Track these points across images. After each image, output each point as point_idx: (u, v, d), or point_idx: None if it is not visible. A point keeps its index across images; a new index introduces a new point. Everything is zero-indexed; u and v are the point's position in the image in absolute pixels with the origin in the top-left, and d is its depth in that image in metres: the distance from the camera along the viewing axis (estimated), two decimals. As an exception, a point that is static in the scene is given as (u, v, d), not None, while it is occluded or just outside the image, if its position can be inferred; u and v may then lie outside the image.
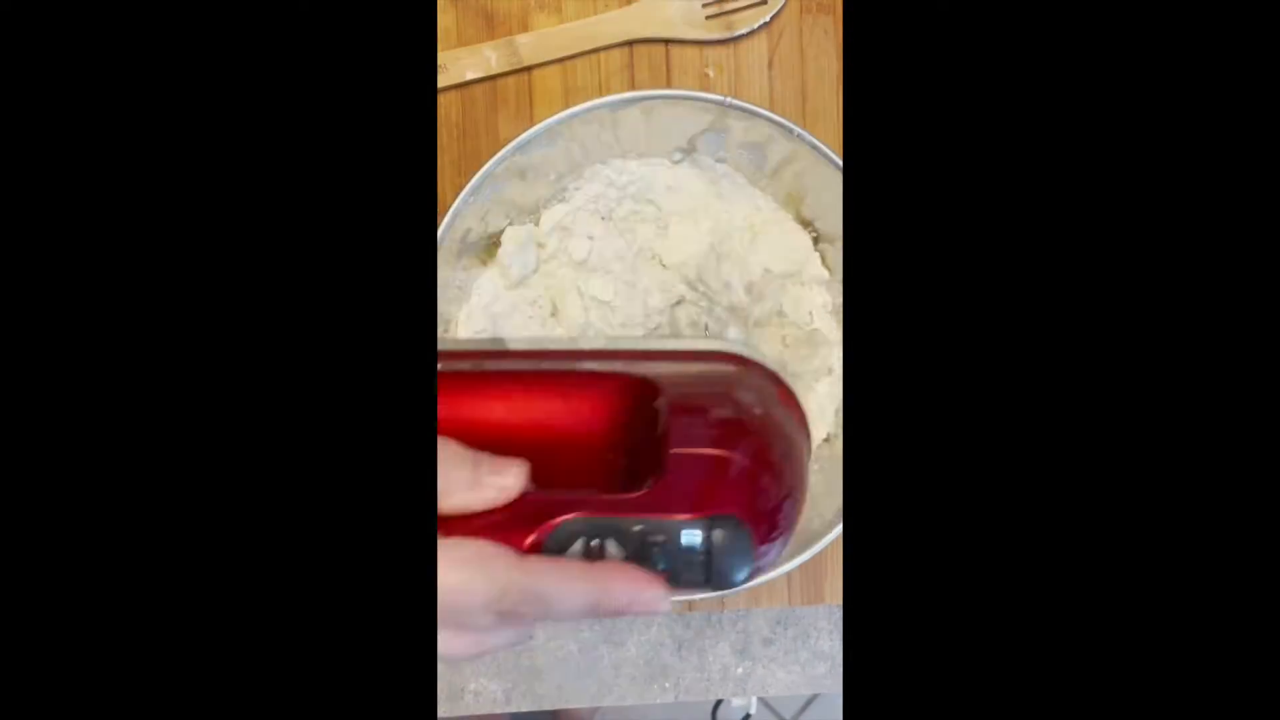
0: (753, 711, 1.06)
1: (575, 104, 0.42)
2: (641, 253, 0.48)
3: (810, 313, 0.47)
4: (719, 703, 1.03)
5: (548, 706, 0.52)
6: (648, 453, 0.32)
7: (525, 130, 0.42)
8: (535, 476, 0.31)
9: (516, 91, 0.50)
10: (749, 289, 0.48)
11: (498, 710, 0.52)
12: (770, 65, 0.51)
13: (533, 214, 0.48)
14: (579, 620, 0.29)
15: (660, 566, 0.31)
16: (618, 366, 0.34)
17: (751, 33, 0.51)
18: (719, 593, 0.35)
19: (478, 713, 0.52)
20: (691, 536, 0.31)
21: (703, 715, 1.05)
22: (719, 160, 0.47)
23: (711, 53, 0.51)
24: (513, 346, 0.36)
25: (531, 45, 0.50)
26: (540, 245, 0.47)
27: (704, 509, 0.31)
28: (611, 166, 0.47)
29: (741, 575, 0.32)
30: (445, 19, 0.50)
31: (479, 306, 0.47)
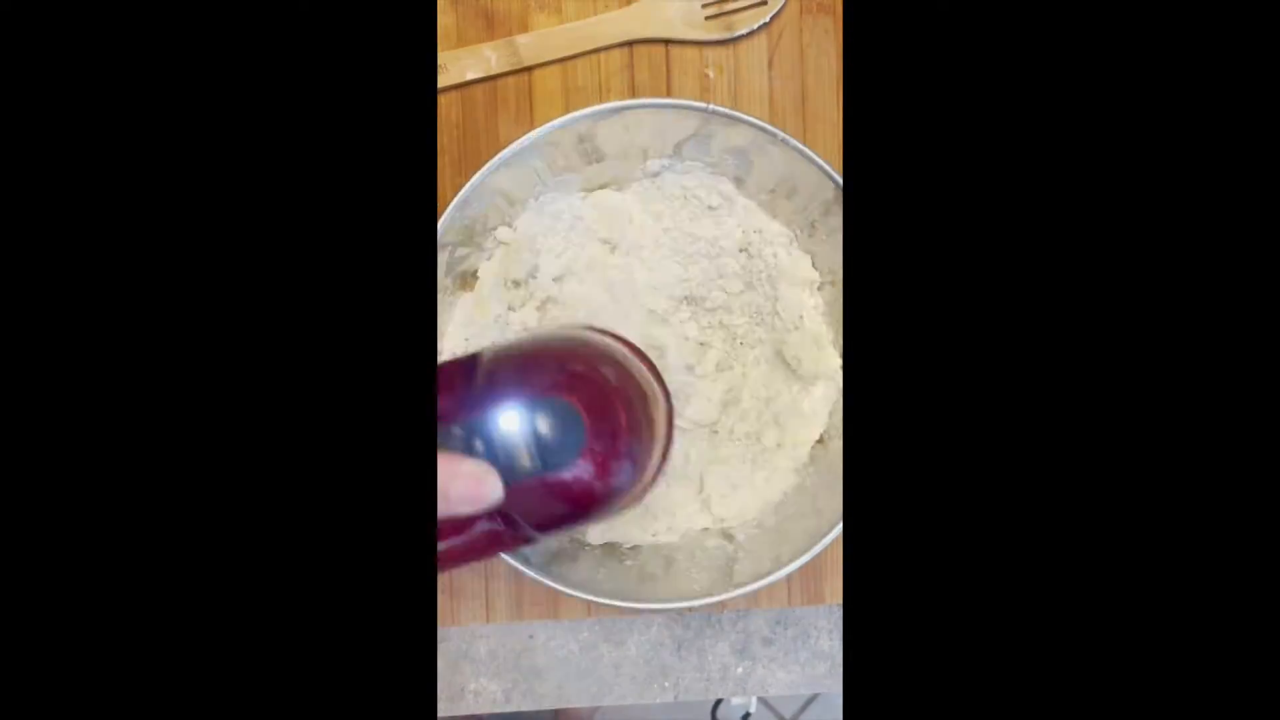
0: (752, 711, 1.06)
1: (576, 105, 0.42)
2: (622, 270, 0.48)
3: (801, 315, 0.47)
4: (719, 702, 1.03)
5: (548, 706, 0.52)
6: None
7: (522, 134, 0.42)
8: None
9: (516, 92, 0.50)
10: (739, 296, 0.48)
11: (497, 710, 0.52)
12: (770, 65, 0.51)
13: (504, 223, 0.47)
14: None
15: (490, 457, 0.31)
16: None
17: (751, 33, 0.51)
18: (574, 517, 0.35)
19: (478, 713, 0.52)
20: (509, 418, 0.32)
21: (703, 715, 1.05)
22: (708, 165, 0.47)
23: (711, 53, 0.51)
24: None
25: (531, 45, 0.50)
26: (515, 284, 0.47)
27: (525, 396, 0.32)
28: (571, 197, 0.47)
29: (574, 458, 0.32)
30: (445, 19, 0.50)
31: (457, 328, 0.47)
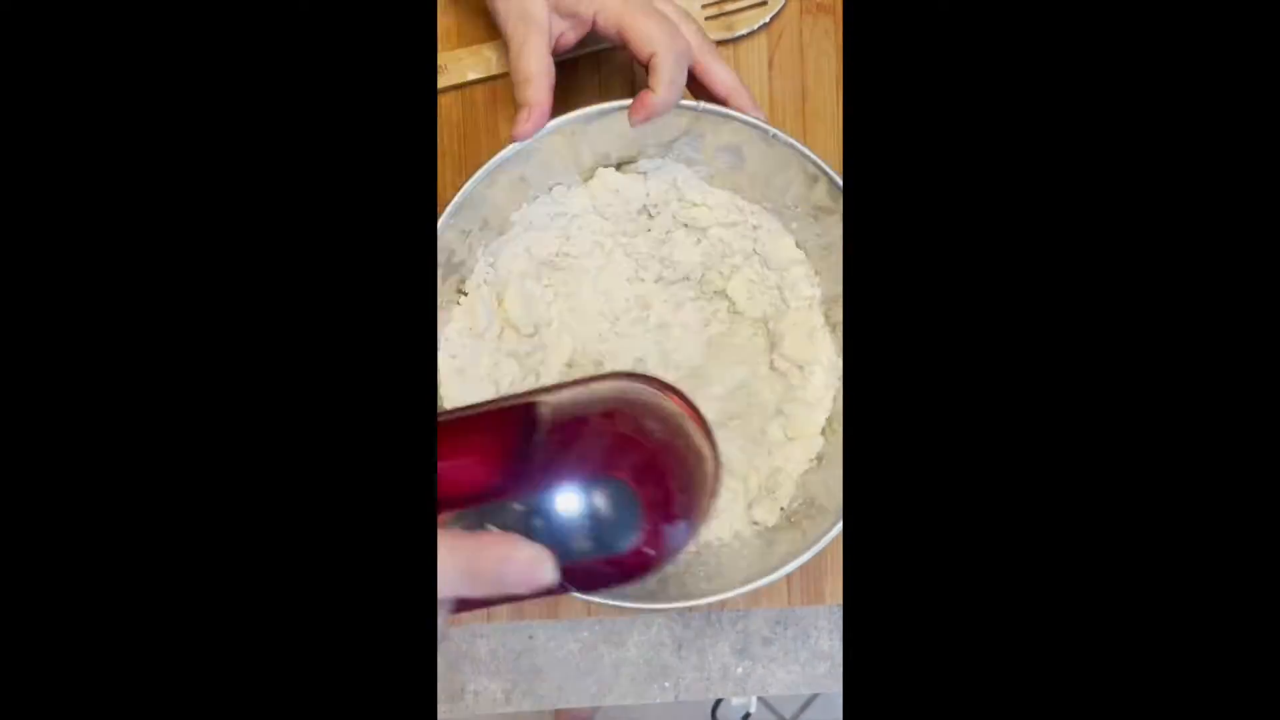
0: (752, 711, 1.06)
1: (576, 105, 0.42)
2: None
3: (796, 304, 0.48)
4: (719, 702, 1.03)
5: (548, 707, 0.52)
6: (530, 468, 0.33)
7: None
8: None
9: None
10: (740, 288, 0.48)
11: (498, 710, 0.52)
12: (770, 65, 0.51)
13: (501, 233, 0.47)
14: (464, 592, 0.30)
15: (548, 539, 0.31)
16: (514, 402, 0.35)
17: (751, 33, 0.51)
18: (626, 581, 0.35)
19: (478, 713, 0.52)
20: (568, 500, 0.32)
21: (703, 715, 1.05)
22: (693, 162, 0.47)
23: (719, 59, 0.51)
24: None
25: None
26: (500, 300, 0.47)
27: (583, 479, 0.32)
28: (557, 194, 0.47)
29: (631, 537, 0.32)
30: (445, 19, 0.50)
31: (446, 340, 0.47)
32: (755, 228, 0.48)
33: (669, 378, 0.38)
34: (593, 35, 0.43)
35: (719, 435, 0.48)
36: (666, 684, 0.52)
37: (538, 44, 0.41)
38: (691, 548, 0.38)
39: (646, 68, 0.41)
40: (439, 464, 0.30)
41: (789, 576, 0.48)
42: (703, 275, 0.49)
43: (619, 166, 0.47)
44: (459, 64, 0.50)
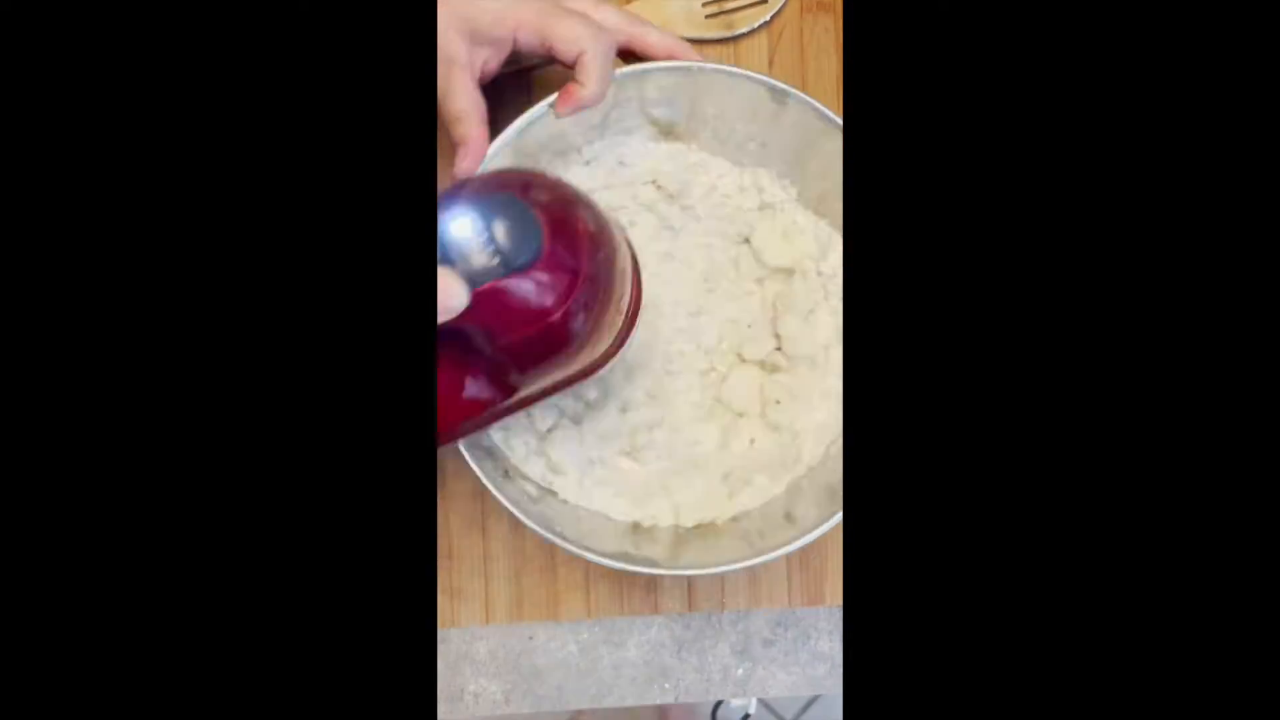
0: (752, 712, 1.06)
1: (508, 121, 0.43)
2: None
3: (775, 202, 0.48)
4: (719, 703, 1.03)
5: (547, 708, 0.52)
6: None
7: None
8: None
9: (516, 91, 0.50)
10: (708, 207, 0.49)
11: (497, 712, 0.52)
12: (770, 64, 0.51)
13: None
14: None
15: (447, 263, 0.32)
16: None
17: (751, 32, 0.51)
18: (509, 273, 0.34)
19: (478, 714, 0.52)
20: (460, 222, 0.32)
21: (703, 715, 1.05)
22: (631, 130, 0.47)
23: (712, 52, 0.51)
24: None
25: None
26: None
27: (476, 197, 0.33)
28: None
29: (530, 251, 0.32)
30: (445, 19, 0.50)
31: None
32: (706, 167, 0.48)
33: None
34: (515, 55, 0.43)
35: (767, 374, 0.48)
36: (666, 685, 0.52)
37: (461, 80, 0.41)
38: (604, 369, 0.39)
39: (574, 68, 0.41)
40: None
41: (789, 577, 0.48)
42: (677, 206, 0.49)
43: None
44: (458, 63, 0.50)
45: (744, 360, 0.49)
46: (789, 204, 0.48)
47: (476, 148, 0.41)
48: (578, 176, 0.48)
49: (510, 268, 0.33)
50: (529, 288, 0.33)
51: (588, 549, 0.43)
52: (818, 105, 0.43)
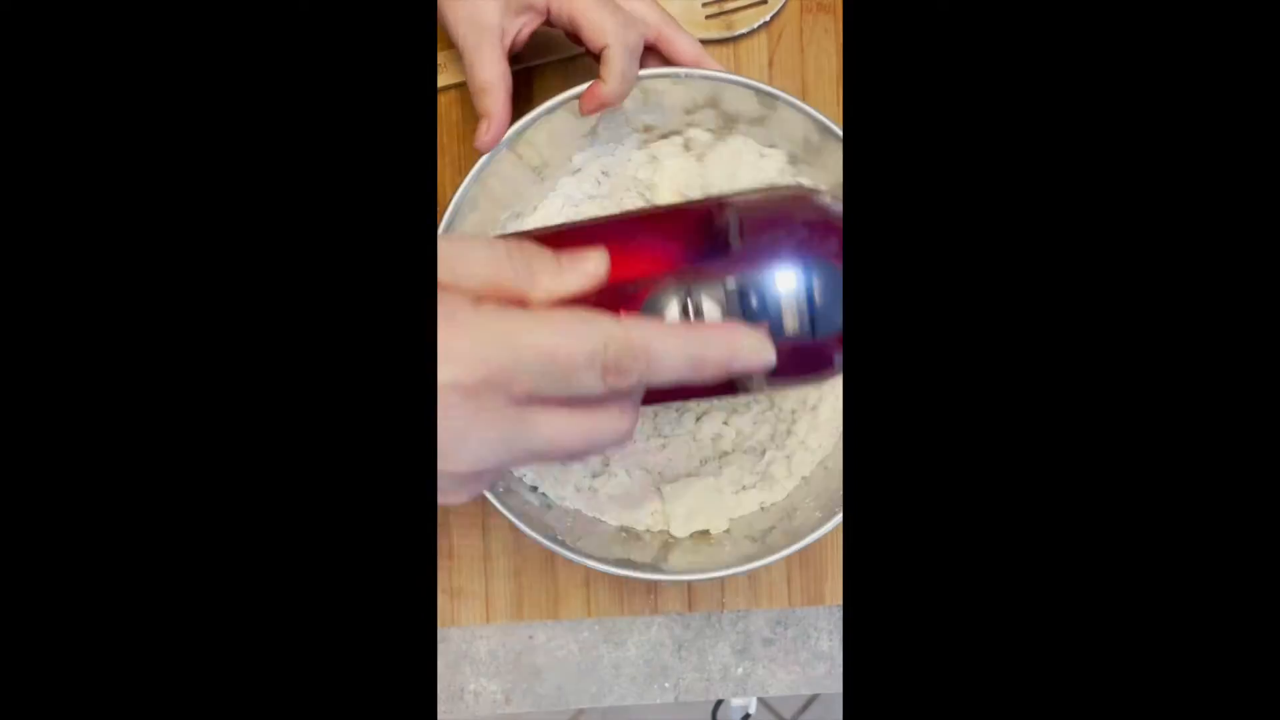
0: (752, 712, 1.06)
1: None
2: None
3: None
4: (719, 703, 1.03)
5: (547, 707, 0.52)
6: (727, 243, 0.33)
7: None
8: (620, 273, 0.32)
9: (517, 90, 0.50)
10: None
11: (498, 711, 0.52)
12: (770, 65, 0.51)
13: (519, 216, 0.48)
14: (689, 377, 0.30)
15: (761, 317, 0.31)
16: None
17: (751, 32, 0.51)
18: (817, 373, 0.34)
19: (478, 713, 0.52)
20: (787, 280, 0.32)
21: (703, 716, 1.05)
22: (621, 136, 0.47)
23: (712, 52, 0.51)
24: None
25: (532, 44, 0.50)
26: None
27: (794, 258, 0.32)
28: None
29: (838, 320, 0.32)
30: (445, 18, 0.50)
31: None
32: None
33: None
34: (550, 39, 0.43)
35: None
36: (666, 684, 0.52)
37: (490, 50, 0.41)
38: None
39: (599, 59, 0.41)
40: (615, 251, 0.31)
41: (789, 577, 0.48)
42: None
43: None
44: (459, 64, 0.50)
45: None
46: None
47: (500, 120, 0.41)
48: (565, 185, 0.48)
49: (813, 334, 0.33)
50: (820, 349, 0.33)
51: (588, 555, 0.43)
52: (809, 109, 0.43)
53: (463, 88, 0.50)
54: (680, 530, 0.47)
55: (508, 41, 0.42)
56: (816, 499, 0.46)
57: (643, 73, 0.43)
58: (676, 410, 0.48)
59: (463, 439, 0.28)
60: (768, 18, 0.51)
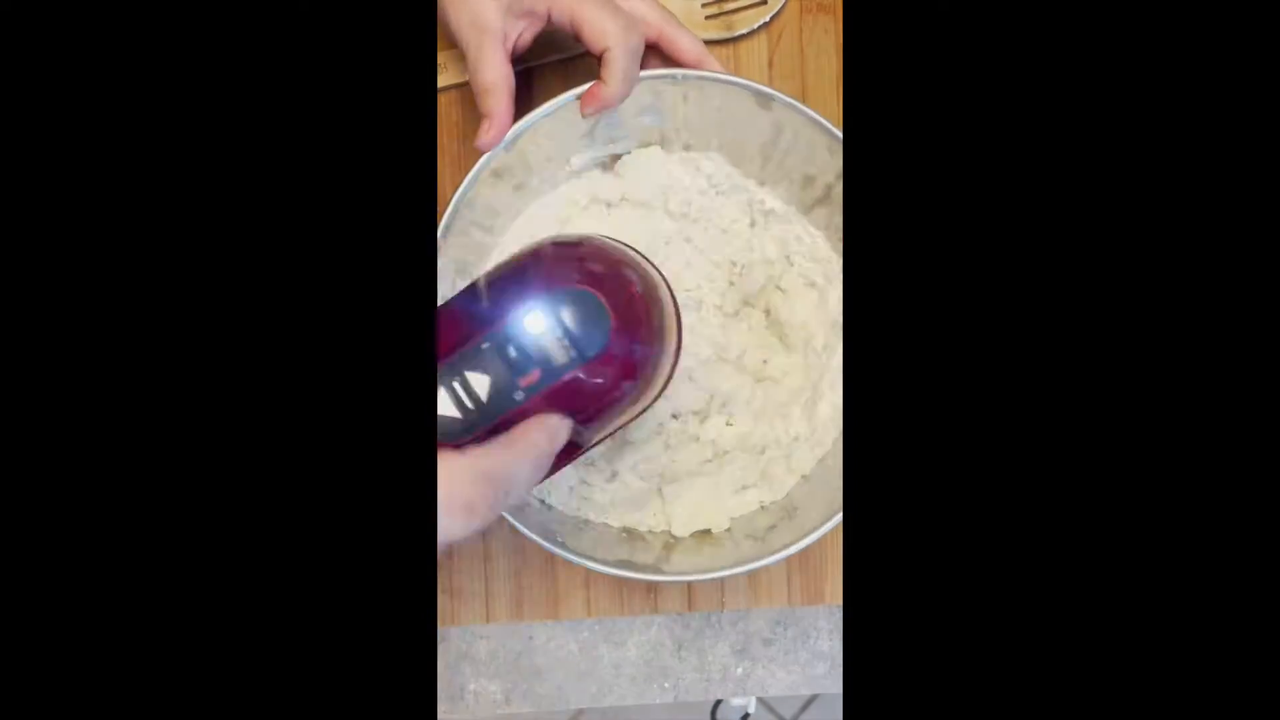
0: (752, 711, 1.06)
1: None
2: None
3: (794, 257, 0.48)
4: (719, 703, 1.03)
5: (547, 707, 0.52)
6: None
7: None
8: None
9: (517, 91, 0.50)
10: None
11: (498, 711, 0.52)
12: (770, 65, 0.51)
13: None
14: (519, 490, 0.34)
15: (527, 365, 0.32)
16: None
17: (751, 33, 0.51)
18: (585, 362, 0.35)
19: (478, 714, 0.52)
20: (535, 320, 0.33)
21: (703, 716, 1.05)
22: (616, 139, 0.47)
23: (712, 52, 0.51)
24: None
25: (532, 44, 0.50)
26: None
27: (534, 298, 0.33)
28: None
29: (604, 335, 0.33)
30: (445, 19, 0.50)
31: None
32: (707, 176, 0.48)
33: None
34: (552, 39, 0.43)
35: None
36: (666, 684, 0.52)
37: (492, 51, 0.41)
38: (657, 403, 0.40)
39: (600, 60, 0.41)
40: None
41: (789, 576, 0.48)
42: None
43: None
44: (459, 64, 0.50)
45: (741, 368, 0.49)
46: (782, 211, 0.48)
47: (501, 122, 0.41)
48: (564, 186, 0.47)
49: (585, 358, 0.34)
50: (603, 371, 0.34)
51: (588, 557, 0.43)
52: (806, 110, 0.43)
53: (463, 88, 0.50)
54: (681, 530, 0.47)
55: (509, 44, 0.42)
56: (817, 496, 0.46)
57: (644, 73, 0.43)
58: (674, 416, 0.48)
59: None
60: (767, 18, 0.51)
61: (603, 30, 0.41)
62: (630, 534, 0.47)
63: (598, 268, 0.36)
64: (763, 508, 0.48)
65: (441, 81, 0.50)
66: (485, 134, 0.41)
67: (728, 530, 0.47)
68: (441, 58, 0.50)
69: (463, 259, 0.46)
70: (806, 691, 0.53)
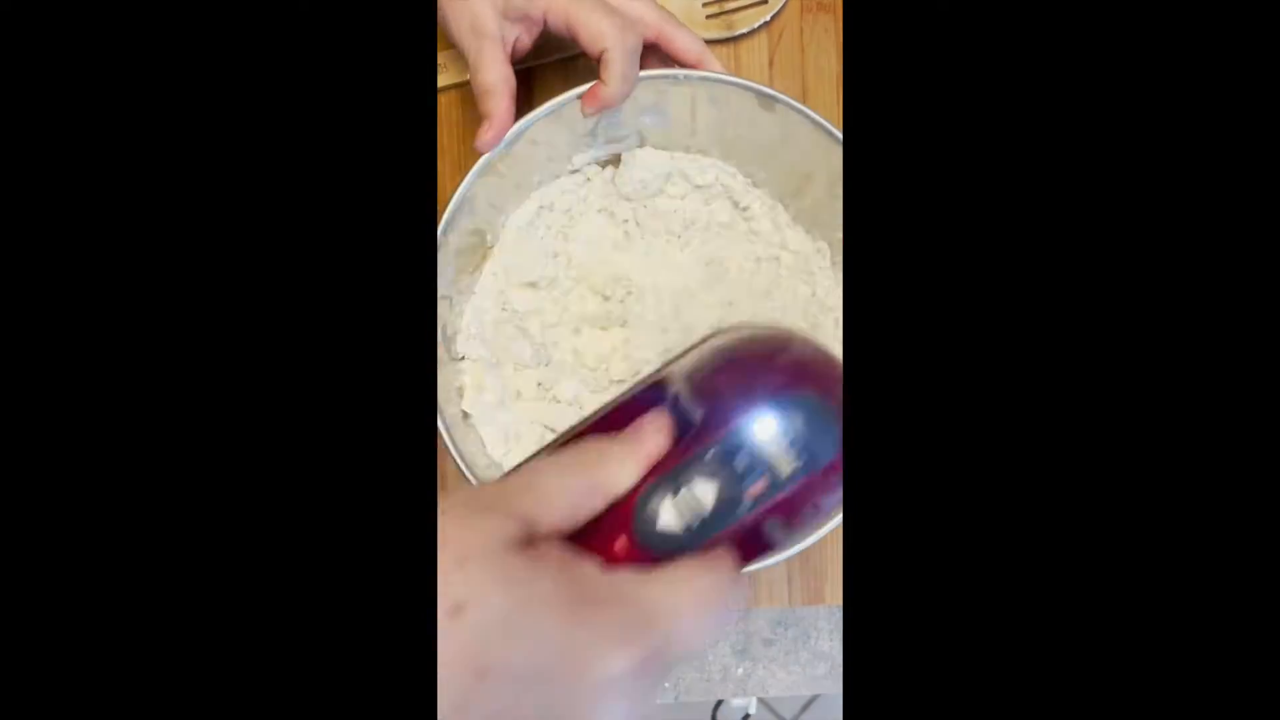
0: (752, 712, 1.06)
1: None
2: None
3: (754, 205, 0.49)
4: (719, 703, 1.03)
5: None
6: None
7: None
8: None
9: (517, 91, 0.50)
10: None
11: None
12: (770, 64, 0.51)
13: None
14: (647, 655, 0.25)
15: (756, 474, 0.29)
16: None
17: (752, 32, 0.51)
18: (817, 471, 0.31)
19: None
20: (764, 421, 0.29)
21: (703, 716, 1.05)
22: (616, 140, 0.47)
23: (712, 52, 0.51)
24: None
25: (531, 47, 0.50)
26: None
27: (758, 401, 0.30)
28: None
29: (835, 441, 0.30)
30: (445, 18, 0.50)
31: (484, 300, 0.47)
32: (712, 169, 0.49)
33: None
34: (551, 39, 0.43)
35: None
36: (666, 684, 0.52)
37: (492, 54, 0.41)
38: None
39: (598, 63, 0.41)
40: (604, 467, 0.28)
41: (789, 577, 0.48)
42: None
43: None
44: (459, 64, 0.50)
45: None
46: (780, 210, 0.48)
47: (501, 122, 0.42)
48: (564, 186, 0.48)
49: (817, 466, 0.30)
50: (834, 480, 0.31)
51: None
52: (809, 112, 0.43)
53: (463, 88, 0.50)
54: None
55: (507, 48, 0.42)
56: None
57: (643, 74, 0.43)
58: None
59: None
60: (768, 18, 0.51)
61: (599, 32, 0.41)
62: None
63: (815, 369, 0.32)
64: None
65: (442, 81, 0.50)
66: (485, 134, 0.41)
67: None
68: (442, 58, 0.50)
69: (463, 259, 0.46)
70: (807, 692, 0.53)
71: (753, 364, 0.32)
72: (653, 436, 0.29)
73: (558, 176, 0.48)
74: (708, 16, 0.51)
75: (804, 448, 0.30)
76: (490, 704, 0.23)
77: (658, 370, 0.33)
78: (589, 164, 0.48)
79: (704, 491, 0.29)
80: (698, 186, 0.48)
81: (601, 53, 0.41)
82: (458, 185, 0.42)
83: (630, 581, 0.26)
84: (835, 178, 0.45)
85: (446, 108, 0.50)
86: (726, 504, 0.29)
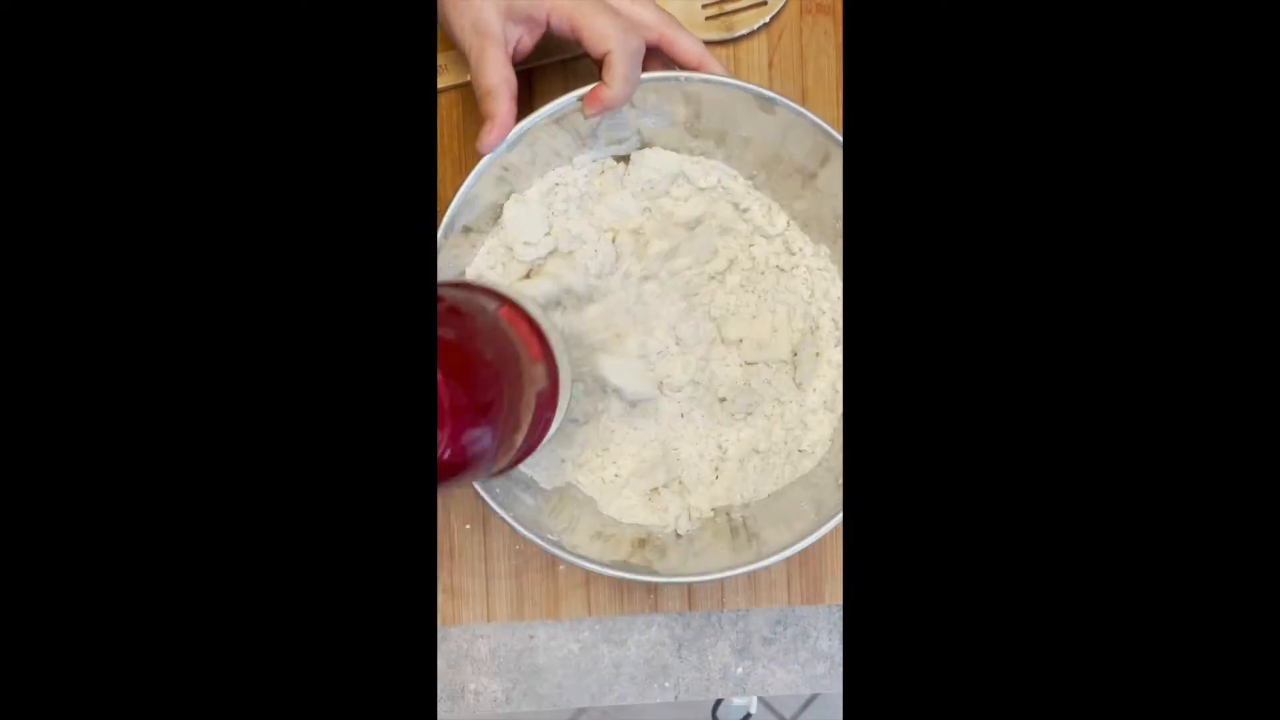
0: (753, 711, 1.06)
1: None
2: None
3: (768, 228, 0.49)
4: (719, 702, 1.03)
5: (548, 707, 0.52)
6: None
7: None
8: None
9: (518, 91, 0.50)
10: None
11: (498, 710, 0.52)
12: (770, 66, 0.51)
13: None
14: None
15: None
16: None
17: (751, 33, 0.51)
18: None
19: (479, 713, 0.52)
20: None
21: (703, 715, 1.05)
22: (619, 140, 0.47)
23: (712, 53, 0.51)
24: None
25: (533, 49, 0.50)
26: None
27: None
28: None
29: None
30: (445, 19, 0.50)
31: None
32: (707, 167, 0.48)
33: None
34: (553, 40, 0.43)
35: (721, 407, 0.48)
36: (666, 684, 0.52)
37: (495, 56, 0.41)
38: (503, 461, 0.38)
39: (601, 65, 0.41)
40: None
41: (789, 576, 0.48)
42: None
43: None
44: (459, 64, 0.50)
45: (738, 366, 0.49)
46: (777, 209, 0.48)
47: (503, 123, 0.42)
48: (562, 167, 0.47)
49: None
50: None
51: (586, 558, 0.43)
52: (808, 113, 0.43)
53: (464, 88, 0.50)
54: (684, 528, 0.47)
55: (510, 49, 0.42)
56: (815, 496, 0.46)
57: (644, 76, 0.43)
58: (683, 416, 0.48)
59: None
60: (767, 19, 0.51)
61: (602, 34, 0.41)
62: (635, 533, 0.48)
63: (455, 337, 0.35)
64: (762, 509, 0.48)
65: (442, 82, 0.50)
66: (487, 136, 0.42)
67: (729, 529, 0.47)
68: (442, 59, 0.50)
69: (463, 259, 0.46)
70: (806, 691, 0.53)
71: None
72: None
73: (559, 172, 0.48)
74: (707, 18, 0.51)
75: None
76: None
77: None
78: (593, 163, 0.48)
79: None
80: (701, 189, 0.48)
81: (605, 54, 0.41)
82: (458, 186, 0.42)
83: None
84: (835, 179, 0.45)
85: (447, 108, 0.50)
86: None
